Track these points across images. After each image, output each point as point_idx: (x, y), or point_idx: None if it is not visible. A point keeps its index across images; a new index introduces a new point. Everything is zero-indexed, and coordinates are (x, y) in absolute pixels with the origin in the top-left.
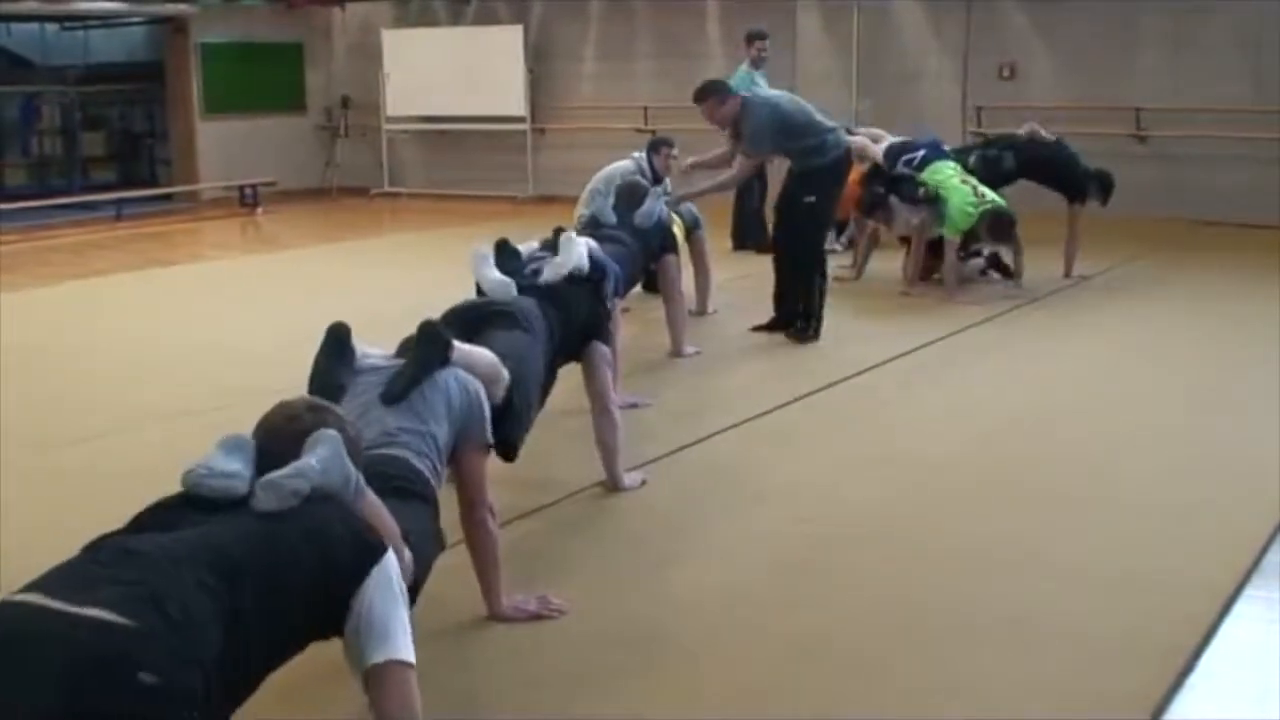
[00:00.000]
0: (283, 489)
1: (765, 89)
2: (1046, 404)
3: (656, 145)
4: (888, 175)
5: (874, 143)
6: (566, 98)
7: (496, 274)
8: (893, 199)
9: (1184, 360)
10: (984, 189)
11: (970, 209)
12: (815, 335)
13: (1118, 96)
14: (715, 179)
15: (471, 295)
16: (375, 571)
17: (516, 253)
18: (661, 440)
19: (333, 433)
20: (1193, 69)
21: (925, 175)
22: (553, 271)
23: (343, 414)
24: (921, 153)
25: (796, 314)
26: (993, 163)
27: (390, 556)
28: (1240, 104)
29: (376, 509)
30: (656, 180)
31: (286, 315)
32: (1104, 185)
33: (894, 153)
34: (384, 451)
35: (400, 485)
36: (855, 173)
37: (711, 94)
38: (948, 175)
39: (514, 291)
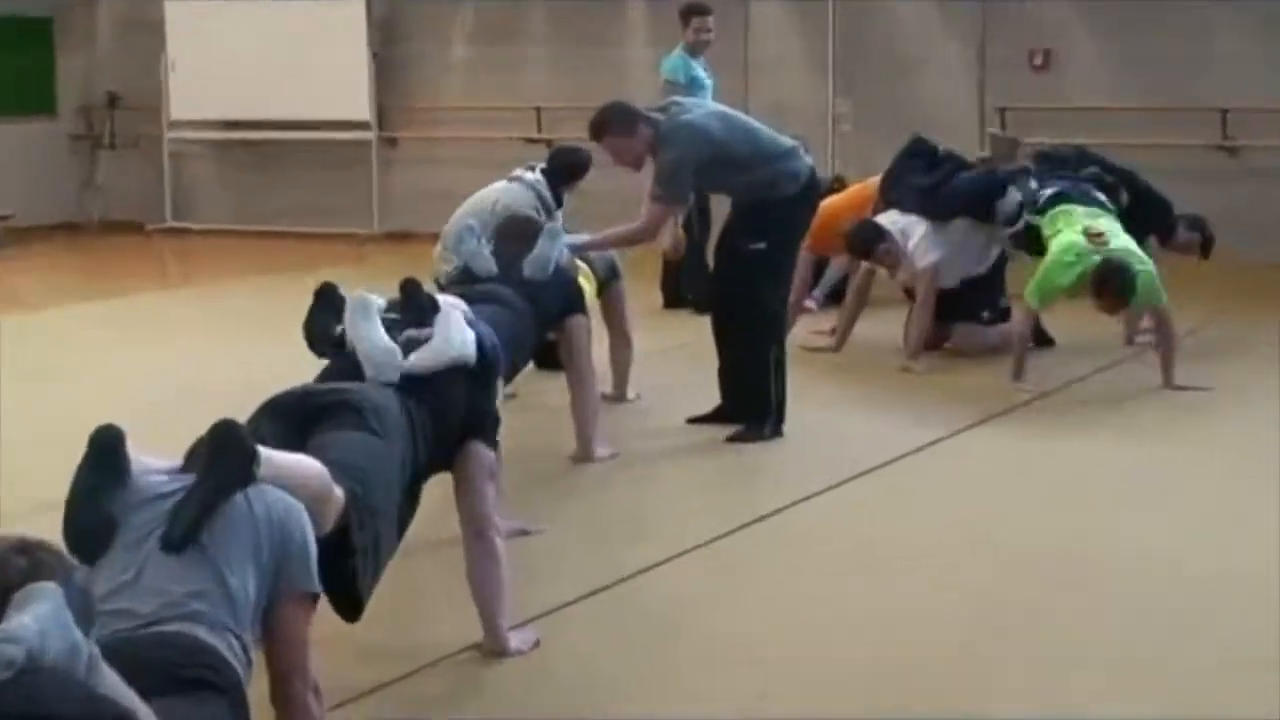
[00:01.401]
0: None
1: (705, 87)
2: (1096, 532)
3: (566, 166)
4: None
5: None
6: (428, 95)
7: (382, 337)
8: (906, 229)
9: None
10: (1116, 235)
11: (1069, 260)
12: (775, 431)
13: (1194, 94)
14: (614, 229)
15: (295, 381)
16: None
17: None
18: (563, 582)
19: (51, 586)
20: None
21: (1047, 221)
22: (427, 359)
23: (69, 559)
24: (1053, 190)
25: (747, 402)
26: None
27: None
28: None
29: (121, 696)
30: (558, 205)
31: (33, 406)
32: (1198, 226)
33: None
34: (165, 629)
35: (186, 676)
36: (850, 198)
37: (612, 126)
38: (1070, 225)
39: (398, 364)
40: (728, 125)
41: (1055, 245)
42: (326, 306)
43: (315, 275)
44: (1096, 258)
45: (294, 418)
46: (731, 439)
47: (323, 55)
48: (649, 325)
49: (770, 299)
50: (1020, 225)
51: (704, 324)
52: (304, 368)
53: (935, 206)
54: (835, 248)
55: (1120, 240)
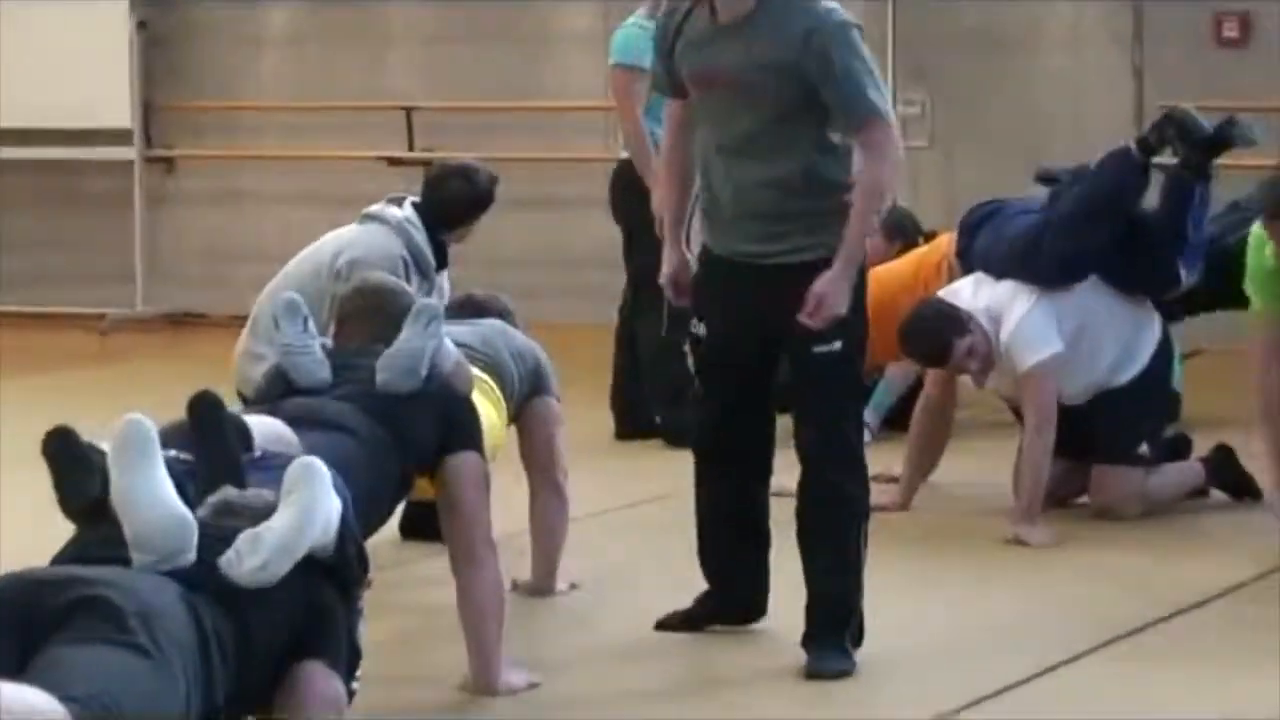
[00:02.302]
0: None
1: None
2: None
3: (455, 198)
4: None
5: None
6: (228, 89)
7: (169, 497)
8: (996, 306)
9: None
10: None
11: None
12: (850, 659)
13: None
14: (862, 188)
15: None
16: None
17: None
18: None
19: None
20: None
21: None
22: (274, 560)
23: None
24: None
25: (748, 596)
26: None
27: None
28: None
29: None
30: (439, 265)
31: None
32: None
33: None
34: None
35: None
36: (912, 264)
37: None
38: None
39: (191, 543)
40: None
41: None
42: (72, 462)
43: (32, 385)
44: None
45: (13, 622)
46: (815, 675)
47: (52, 27)
48: (595, 467)
49: (858, 434)
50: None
51: (682, 463)
52: (34, 540)
53: (1039, 256)
54: (892, 346)
55: None
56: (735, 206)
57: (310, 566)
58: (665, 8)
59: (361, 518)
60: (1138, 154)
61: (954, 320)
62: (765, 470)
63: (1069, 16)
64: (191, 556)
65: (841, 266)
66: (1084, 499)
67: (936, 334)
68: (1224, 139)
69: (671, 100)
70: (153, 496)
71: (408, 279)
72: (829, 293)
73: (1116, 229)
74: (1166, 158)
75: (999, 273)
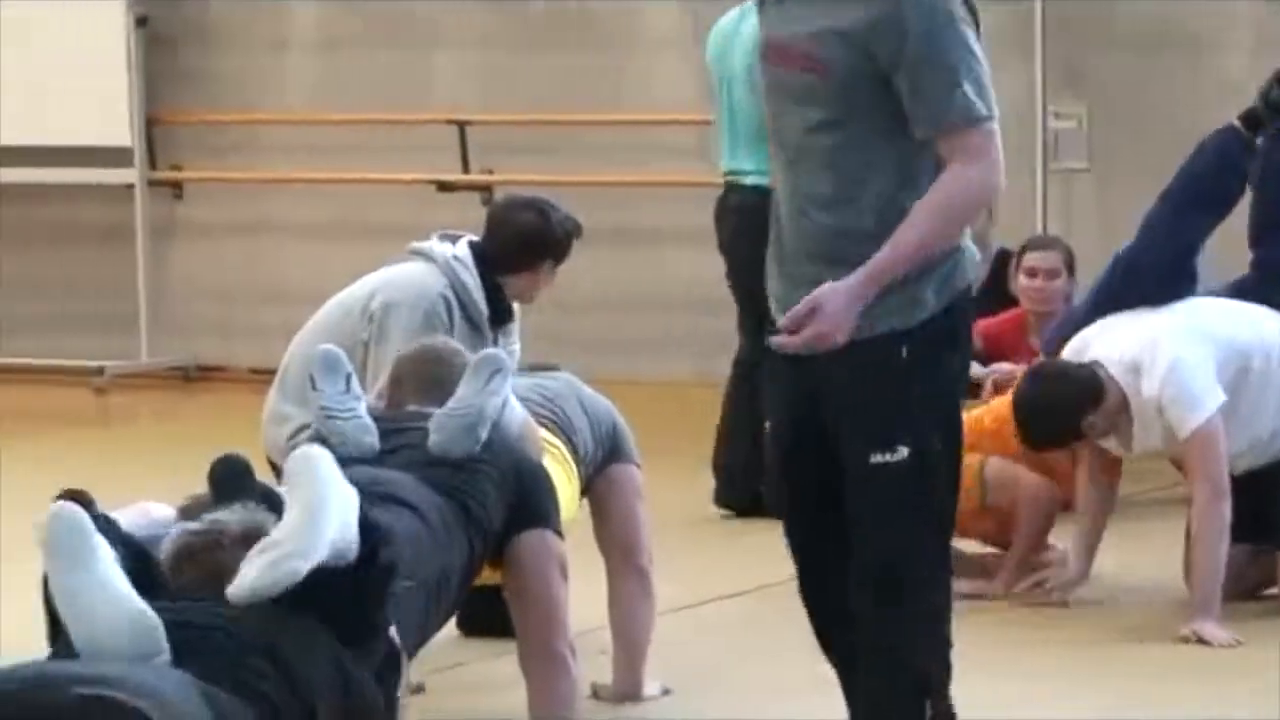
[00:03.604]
0: None
1: None
2: None
3: (525, 236)
4: None
5: None
6: (246, 99)
7: (120, 593)
8: (1131, 353)
9: None
10: None
11: None
12: None
13: None
14: (939, 194)
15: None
16: None
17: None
18: None
19: None
20: None
21: None
22: (271, 560)
23: None
24: None
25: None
26: None
27: None
28: None
29: None
30: (497, 319)
31: None
32: None
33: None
34: None
35: None
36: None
37: None
38: None
39: (160, 643)
40: None
41: None
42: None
43: (16, 454)
44: None
45: None
46: None
47: (33, 25)
48: (692, 547)
49: (932, 587)
50: None
51: None
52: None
53: (1138, 272)
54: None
55: None
56: (792, 241)
57: (327, 614)
58: None
59: (428, 610)
60: (1244, 130)
61: (1079, 385)
62: None
63: (1255, 13)
64: (166, 659)
65: (858, 281)
66: (1275, 590)
67: (1061, 402)
68: None
69: None
70: (101, 595)
71: (450, 324)
72: (827, 305)
73: (1216, 220)
74: None
75: (1111, 306)
